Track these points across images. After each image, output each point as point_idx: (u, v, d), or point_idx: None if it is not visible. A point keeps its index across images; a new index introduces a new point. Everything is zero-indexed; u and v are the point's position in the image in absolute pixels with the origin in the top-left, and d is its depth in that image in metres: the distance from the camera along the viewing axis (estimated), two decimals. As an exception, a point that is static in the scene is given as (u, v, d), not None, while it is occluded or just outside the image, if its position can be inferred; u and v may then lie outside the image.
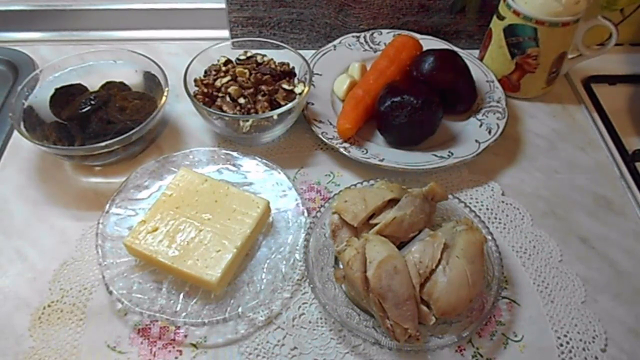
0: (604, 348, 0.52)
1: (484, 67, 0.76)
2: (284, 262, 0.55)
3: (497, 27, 0.73)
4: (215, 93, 0.64)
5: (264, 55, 0.69)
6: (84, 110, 0.63)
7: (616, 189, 0.66)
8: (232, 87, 0.63)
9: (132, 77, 0.69)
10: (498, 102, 0.71)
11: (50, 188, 0.63)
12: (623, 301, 0.55)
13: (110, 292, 0.51)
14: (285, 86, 0.65)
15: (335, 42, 0.79)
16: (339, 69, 0.76)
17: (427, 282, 0.49)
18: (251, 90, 0.64)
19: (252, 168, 0.63)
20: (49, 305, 0.53)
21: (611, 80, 0.80)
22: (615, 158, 0.69)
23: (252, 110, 0.63)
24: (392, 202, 0.54)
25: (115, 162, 0.65)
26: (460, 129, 0.70)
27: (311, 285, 0.51)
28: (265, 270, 0.55)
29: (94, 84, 0.68)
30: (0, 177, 0.64)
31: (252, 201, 0.56)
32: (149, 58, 0.68)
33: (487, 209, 0.63)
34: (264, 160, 0.63)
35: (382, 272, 0.47)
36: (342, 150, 0.64)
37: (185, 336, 0.51)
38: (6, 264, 0.56)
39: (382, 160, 0.64)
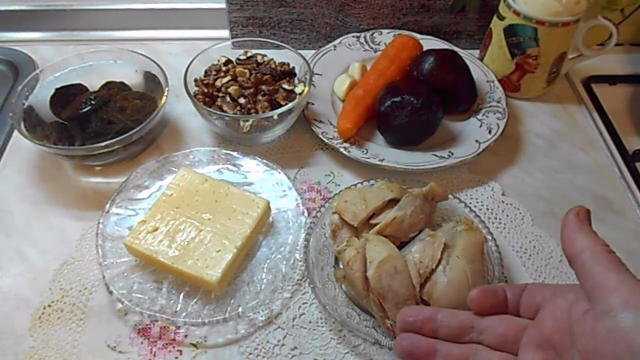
0: (604, 348, 0.52)
1: (484, 67, 0.76)
2: (284, 262, 0.55)
3: (497, 27, 0.73)
4: (215, 93, 0.64)
5: (264, 55, 0.69)
6: (84, 110, 0.63)
7: (616, 189, 0.66)
8: (232, 87, 0.63)
9: (132, 77, 0.69)
10: (498, 102, 0.72)
11: (50, 188, 0.63)
12: (623, 301, 0.55)
13: (111, 292, 0.51)
14: (286, 86, 0.65)
15: (336, 42, 0.79)
16: (339, 69, 0.76)
17: (427, 282, 0.49)
18: (251, 90, 0.64)
19: (252, 168, 0.63)
20: (49, 305, 0.53)
21: (611, 80, 0.80)
22: (615, 158, 0.69)
23: (252, 110, 0.63)
24: (392, 202, 0.54)
25: (115, 162, 0.65)
26: (461, 129, 0.70)
27: (311, 285, 0.51)
28: (265, 270, 0.55)
29: (94, 84, 0.68)
30: (0, 177, 0.64)
31: (252, 201, 0.56)
32: (149, 58, 0.68)
33: (487, 209, 0.63)
34: (264, 160, 0.63)
35: (382, 272, 0.47)
36: (342, 150, 0.65)
37: (186, 336, 0.51)
38: (6, 263, 0.56)
39: (382, 160, 0.64)
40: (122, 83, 0.68)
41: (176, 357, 0.50)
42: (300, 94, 0.65)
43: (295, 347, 0.51)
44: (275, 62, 0.68)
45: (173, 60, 0.77)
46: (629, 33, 0.84)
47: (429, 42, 0.77)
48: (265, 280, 0.54)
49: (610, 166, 0.68)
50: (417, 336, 0.38)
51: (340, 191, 0.57)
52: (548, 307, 0.36)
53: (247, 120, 0.62)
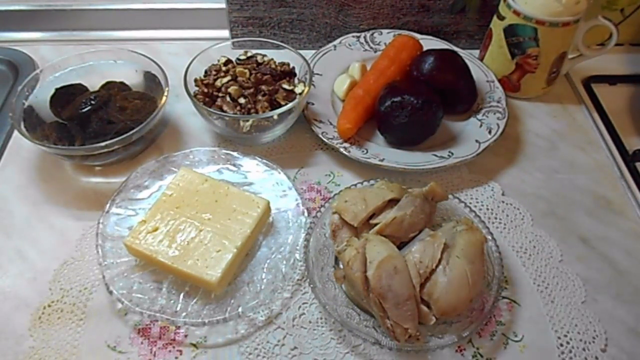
0: (604, 348, 0.52)
1: (484, 67, 0.76)
2: (284, 262, 0.55)
3: (497, 27, 0.73)
4: (215, 93, 0.64)
5: (264, 55, 0.69)
6: (84, 110, 0.63)
7: (616, 189, 0.66)
8: (232, 87, 0.63)
9: (132, 77, 0.69)
10: (498, 102, 0.72)
11: (50, 188, 0.63)
12: (623, 301, 0.55)
13: (111, 292, 0.51)
14: (286, 86, 0.65)
15: (336, 42, 0.79)
16: (339, 69, 0.76)
17: (427, 282, 0.49)
18: (251, 90, 0.64)
19: (252, 168, 0.63)
20: (49, 305, 0.53)
21: (611, 80, 0.80)
22: (615, 158, 0.69)
23: (252, 110, 0.63)
24: (392, 202, 0.54)
25: (115, 162, 0.65)
26: (461, 129, 0.70)
27: (311, 285, 0.51)
28: (265, 270, 0.55)
29: (94, 84, 0.68)
30: (0, 177, 0.64)
31: (252, 201, 0.56)
32: (149, 58, 0.68)
33: (487, 209, 0.63)
34: (264, 160, 0.63)
35: (382, 272, 0.47)
36: (342, 150, 0.65)
37: (186, 336, 0.51)
38: (6, 263, 0.56)
39: (382, 160, 0.64)
40: (122, 83, 0.68)
41: (176, 357, 0.50)
42: (300, 94, 0.65)
43: (295, 347, 0.51)
44: (275, 62, 0.68)
45: (173, 60, 0.77)
46: (629, 33, 0.84)
47: (429, 42, 0.77)
48: (265, 280, 0.54)
49: (610, 166, 0.68)
50: None
51: (340, 191, 0.57)
52: None
53: (247, 120, 0.62)
